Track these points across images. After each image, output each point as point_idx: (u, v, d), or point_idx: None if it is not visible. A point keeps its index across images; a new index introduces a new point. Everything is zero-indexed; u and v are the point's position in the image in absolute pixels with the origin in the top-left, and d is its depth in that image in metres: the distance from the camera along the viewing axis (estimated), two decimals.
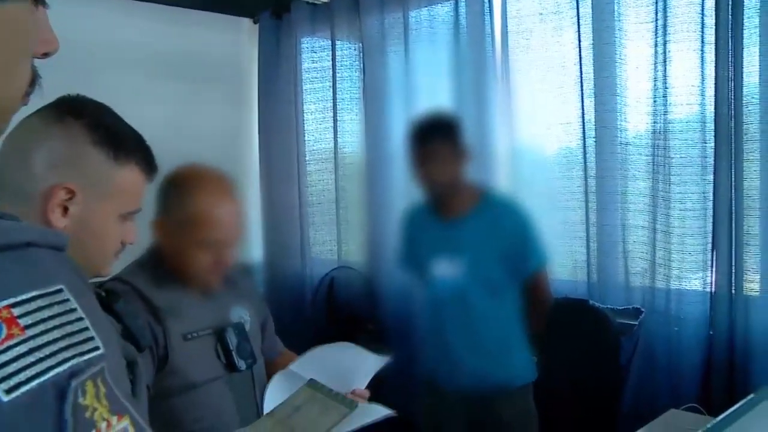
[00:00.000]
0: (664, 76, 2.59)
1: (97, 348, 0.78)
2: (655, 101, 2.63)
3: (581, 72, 2.79)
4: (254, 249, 3.89)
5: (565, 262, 2.90)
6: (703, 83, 2.52)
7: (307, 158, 3.83)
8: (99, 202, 1.04)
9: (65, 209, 1.01)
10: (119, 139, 1.06)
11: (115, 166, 1.05)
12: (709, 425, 0.82)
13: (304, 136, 3.82)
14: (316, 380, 1.62)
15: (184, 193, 1.59)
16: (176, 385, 1.57)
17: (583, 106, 2.80)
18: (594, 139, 2.78)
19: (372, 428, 1.54)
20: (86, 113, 1.05)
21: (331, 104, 3.70)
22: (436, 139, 2.26)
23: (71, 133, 1.03)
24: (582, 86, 2.80)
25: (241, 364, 1.66)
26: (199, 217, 1.57)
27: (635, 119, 2.71)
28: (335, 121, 3.70)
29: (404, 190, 3.25)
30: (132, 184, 1.08)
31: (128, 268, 1.61)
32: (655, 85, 2.62)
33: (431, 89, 3.28)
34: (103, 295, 1.04)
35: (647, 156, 2.67)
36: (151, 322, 1.54)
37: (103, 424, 0.75)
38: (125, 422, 0.76)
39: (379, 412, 1.55)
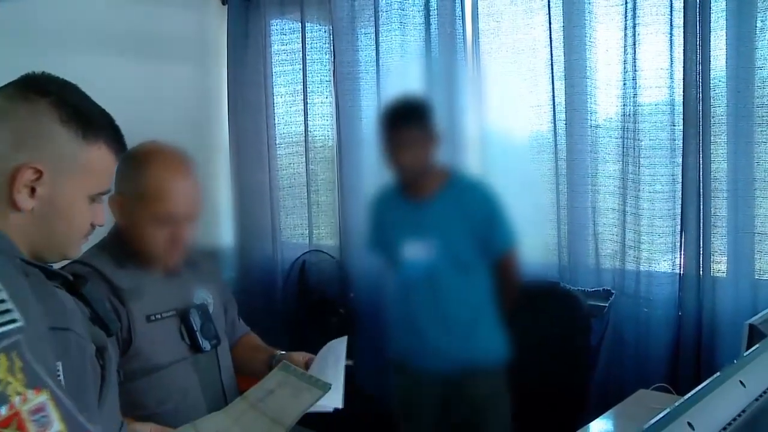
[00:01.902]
0: (634, 59, 2.60)
1: (13, 321, 0.77)
2: (624, 84, 2.64)
3: (552, 55, 2.79)
4: (225, 233, 3.86)
5: (535, 245, 2.91)
6: (671, 66, 2.53)
7: (277, 142, 3.78)
8: (67, 183, 1.02)
9: (32, 190, 0.99)
10: (87, 118, 1.03)
11: (83, 145, 1.02)
12: (676, 403, 0.83)
13: (274, 119, 3.78)
14: (289, 364, 1.62)
15: (139, 168, 1.57)
16: (141, 367, 1.56)
17: (553, 89, 2.81)
18: (564, 122, 2.79)
19: (345, 410, 1.54)
20: (52, 91, 1.01)
21: (302, 87, 3.66)
22: (407, 123, 2.26)
23: (37, 112, 1.00)
24: (552, 69, 2.80)
25: (206, 345, 1.66)
26: (153, 191, 1.56)
27: (605, 102, 2.72)
28: (305, 104, 3.66)
29: (375, 173, 3.23)
30: (101, 163, 1.06)
31: (90, 250, 1.59)
32: (624, 68, 2.63)
33: (402, 72, 3.26)
34: (71, 279, 1.01)
35: (617, 139, 2.69)
36: (115, 304, 1.52)
37: (17, 398, 0.74)
38: (43, 396, 0.76)
39: (331, 399, 1.54)
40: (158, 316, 1.60)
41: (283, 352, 1.78)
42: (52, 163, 1.00)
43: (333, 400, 1.54)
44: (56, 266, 1.07)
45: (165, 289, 1.64)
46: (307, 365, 1.70)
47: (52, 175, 1.00)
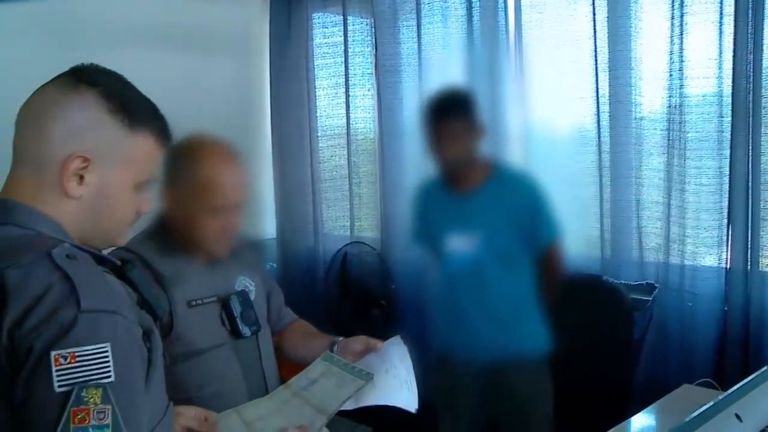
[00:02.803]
0: (681, 49, 2.56)
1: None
2: (671, 75, 2.59)
3: (596, 46, 2.76)
4: (267, 226, 3.90)
5: (578, 238, 2.88)
6: (720, 56, 2.48)
7: (319, 134, 3.81)
8: (114, 171, 1.04)
9: (81, 178, 1.02)
10: (134, 108, 1.06)
11: (129, 135, 1.05)
12: (720, 397, 0.82)
13: (317, 112, 3.80)
14: (332, 355, 1.64)
15: (190, 161, 1.60)
16: (181, 351, 1.59)
17: (597, 80, 2.77)
18: (608, 114, 2.75)
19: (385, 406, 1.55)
20: (101, 82, 1.04)
21: (343, 80, 3.68)
22: (451, 115, 2.27)
23: (86, 102, 1.02)
24: (596, 60, 2.76)
25: (246, 331, 1.68)
26: (205, 183, 1.59)
27: (650, 94, 2.68)
28: (347, 96, 3.68)
29: (417, 165, 3.24)
30: (147, 152, 1.08)
31: (135, 238, 1.63)
32: (671, 58, 2.59)
33: (444, 64, 3.25)
34: (119, 264, 1.04)
35: (662, 131, 2.65)
36: (158, 290, 1.56)
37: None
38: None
39: (406, 402, 1.55)
40: (199, 302, 1.64)
41: (343, 338, 1.77)
42: (100, 152, 1.02)
43: (409, 403, 1.56)
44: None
45: (206, 276, 1.68)
46: (368, 348, 1.69)
47: (100, 163, 1.02)
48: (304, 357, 1.77)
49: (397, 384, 1.54)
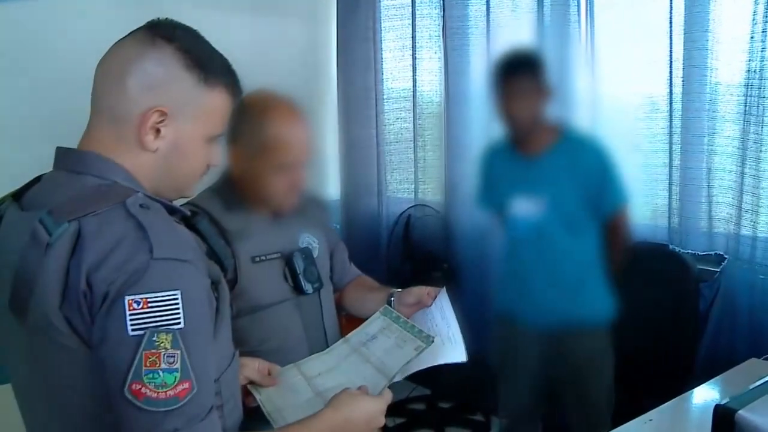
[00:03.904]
0: (766, 9, 2.43)
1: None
2: (752, 38, 2.47)
3: (671, 7, 2.66)
4: (331, 187, 3.94)
5: (645, 206, 2.83)
6: None
7: (384, 97, 3.81)
8: (188, 125, 1.08)
9: (158, 131, 1.05)
10: (209, 63, 1.08)
11: (204, 90, 1.08)
12: None
13: (383, 74, 3.80)
14: (391, 309, 1.64)
15: (257, 118, 1.62)
16: (244, 306, 1.62)
17: (671, 43, 2.67)
18: (681, 79, 2.66)
19: (444, 364, 1.54)
20: (177, 37, 1.07)
21: (410, 42, 3.66)
22: (521, 74, 2.25)
23: (163, 57, 1.05)
24: (671, 23, 2.67)
25: (308, 288, 1.71)
26: (272, 140, 1.61)
27: (728, 58, 2.57)
28: (414, 59, 3.66)
29: (483, 130, 3.22)
30: (219, 107, 1.11)
31: (201, 194, 1.66)
32: (754, 19, 2.46)
33: (512, 27, 3.20)
34: (189, 215, 1.08)
35: (740, 97, 2.54)
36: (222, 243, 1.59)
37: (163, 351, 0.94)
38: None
39: (453, 355, 1.54)
40: (263, 258, 1.67)
41: (400, 290, 1.77)
42: (176, 107, 1.06)
43: (457, 355, 1.54)
44: None
45: (271, 233, 1.71)
46: (420, 301, 1.69)
47: (176, 117, 1.06)
48: (365, 311, 1.77)
49: (437, 342, 1.52)
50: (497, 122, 2.39)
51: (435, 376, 1.59)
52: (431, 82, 3.65)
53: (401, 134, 3.80)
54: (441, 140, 3.63)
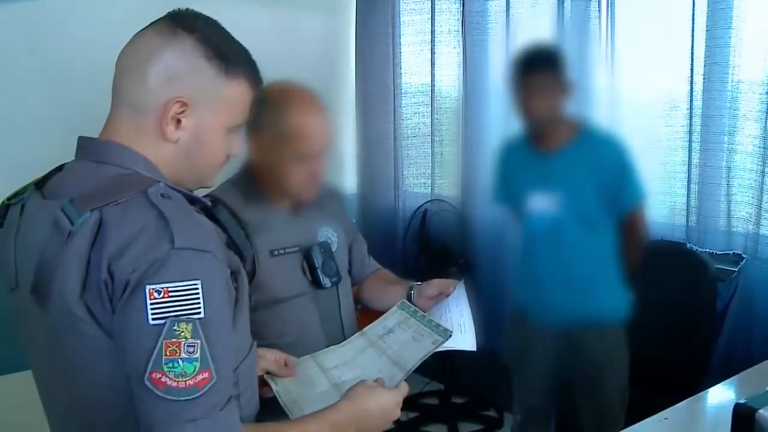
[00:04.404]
0: None
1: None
2: None
3: (693, 3, 2.64)
4: (348, 181, 3.95)
5: (663, 204, 2.81)
6: None
7: (402, 92, 3.81)
8: (209, 115, 1.08)
9: (179, 122, 1.06)
10: (230, 54, 1.08)
11: (225, 80, 1.08)
12: None
13: (401, 69, 3.80)
14: (408, 304, 1.65)
15: (277, 109, 1.62)
16: (263, 299, 1.62)
17: (693, 40, 2.65)
18: (702, 77, 2.64)
19: (458, 359, 1.54)
20: (198, 28, 1.07)
21: (429, 37, 3.66)
22: (541, 69, 2.24)
23: (185, 48, 1.05)
24: (693, 19, 2.64)
25: (326, 282, 1.71)
26: (293, 131, 1.62)
27: (751, 55, 2.54)
28: (432, 54, 3.66)
29: (500, 125, 3.21)
30: (240, 97, 1.11)
31: (220, 186, 1.67)
32: None
33: (532, 22, 3.18)
34: (209, 205, 1.09)
35: (762, 95, 2.52)
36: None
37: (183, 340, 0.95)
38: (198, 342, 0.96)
39: (463, 343, 1.55)
40: (281, 251, 1.67)
41: (419, 283, 1.77)
42: (198, 97, 1.06)
43: (467, 343, 1.55)
44: None
45: (289, 226, 1.71)
46: (442, 292, 1.70)
47: (197, 108, 1.06)
48: (384, 305, 1.77)
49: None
50: (515, 118, 2.38)
51: (449, 372, 1.60)
52: (449, 77, 3.64)
53: (419, 129, 3.80)
54: (458, 135, 3.63)
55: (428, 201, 3.66)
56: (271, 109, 1.62)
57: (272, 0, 3.51)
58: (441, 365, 3.33)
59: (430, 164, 3.78)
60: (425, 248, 3.58)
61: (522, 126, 2.36)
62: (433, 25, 3.63)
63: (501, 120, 3.22)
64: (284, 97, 1.65)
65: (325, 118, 1.67)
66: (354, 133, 3.94)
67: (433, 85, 3.69)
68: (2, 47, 2.78)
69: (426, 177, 3.81)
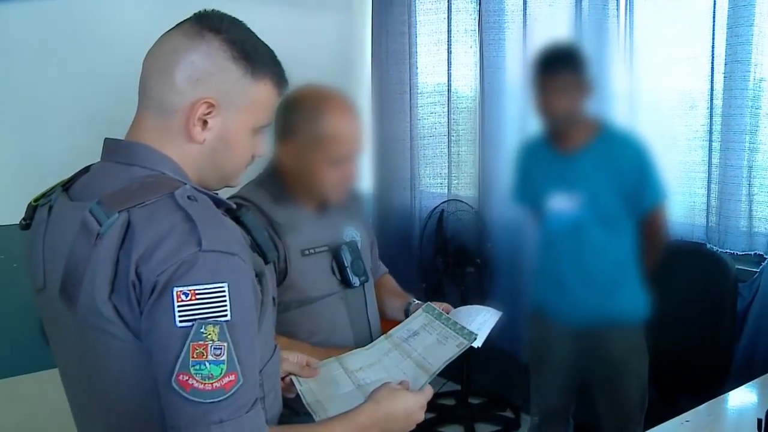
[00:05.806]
0: None
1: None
2: None
3: (714, 1, 2.61)
4: (364, 181, 3.95)
5: (683, 204, 2.79)
6: None
7: (419, 91, 3.81)
8: (235, 116, 1.08)
9: (205, 123, 1.06)
10: (255, 55, 1.09)
11: (251, 81, 1.08)
12: None
13: (417, 68, 3.80)
14: (434, 306, 1.64)
15: (312, 113, 1.63)
16: (294, 299, 1.64)
17: (713, 38, 2.63)
18: (723, 75, 2.62)
19: (477, 360, 1.54)
20: (224, 29, 1.07)
21: (446, 37, 3.65)
22: (561, 69, 2.22)
23: (211, 49, 1.06)
24: (714, 16, 2.62)
25: (355, 281, 1.72)
26: (328, 136, 1.62)
27: None
28: (449, 53, 3.65)
29: (517, 125, 3.20)
30: (266, 98, 1.12)
31: (247, 186, 1.69)
32: None
33: (550, 21, 3.17)
34: (234, 207, 1.09)
35: None
36: (273, 237, 1.60)
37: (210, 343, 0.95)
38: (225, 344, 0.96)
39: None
40: (312, 251, 1.68)
41: (419, 302, 1.79)
42: (224, 98, 1.06)
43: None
44: None
45: (318, 226, 1.72)
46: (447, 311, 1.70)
47: (223, 109, 1.07)
48: (382, 314, 1.82)
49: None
50: (532, 118, 2.37)
51: (465, 372, 1.60)
52: (466, 77, 3.64)
53: (435, 129, 3.80)
54: (474, 135, 3.62)
55: (445, 201, 3.66)
56: (307, 113, 1.63)
57: (289, 0, 3.51)
58: (458, 366, 3.32)
59: (446, 164, 3.77)
60: (441, 248, 3.57)
61: (541, 126, 2.35)
62: (449, 24, 3.62)
63: (517, 119, 3.21)
64: (319, 101, 1.65)
65: (359, 122, 1.69)
66: (370, 133, 3.93)
67: (449, 85, 3.69)
68: (30, 48, 2.80)
69: (442, 177, 3.80)
